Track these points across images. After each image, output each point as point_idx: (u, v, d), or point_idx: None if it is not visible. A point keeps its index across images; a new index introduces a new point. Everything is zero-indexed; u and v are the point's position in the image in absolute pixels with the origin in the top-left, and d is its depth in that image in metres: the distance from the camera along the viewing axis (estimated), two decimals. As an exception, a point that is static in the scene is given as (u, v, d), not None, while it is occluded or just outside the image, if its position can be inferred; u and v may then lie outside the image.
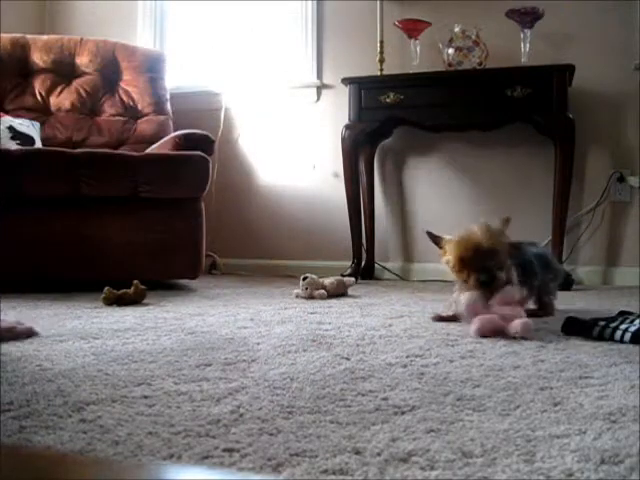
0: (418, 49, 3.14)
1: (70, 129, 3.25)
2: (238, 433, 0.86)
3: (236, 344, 1.49)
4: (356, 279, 3.09)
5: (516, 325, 1.57)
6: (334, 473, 0.73)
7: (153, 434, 0.85)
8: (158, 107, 3.36)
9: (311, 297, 2.41)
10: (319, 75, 3.54)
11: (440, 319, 1.86)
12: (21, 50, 3.32)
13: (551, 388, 1.09)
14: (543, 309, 1.93)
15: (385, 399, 1.02)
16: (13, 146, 2.83)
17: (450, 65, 3.07)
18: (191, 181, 2.69)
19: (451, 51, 3.07)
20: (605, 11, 3.07)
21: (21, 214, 2.54)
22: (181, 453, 0.78)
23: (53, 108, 3.30)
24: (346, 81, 3.11)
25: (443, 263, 1.77)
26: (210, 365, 1.26)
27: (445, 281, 3.12)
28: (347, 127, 3.10)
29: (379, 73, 3.16)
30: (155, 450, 0.79)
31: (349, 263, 3.20)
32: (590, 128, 3.05)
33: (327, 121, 3.48)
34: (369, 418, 0.92)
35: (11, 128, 2.94)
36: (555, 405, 0.99)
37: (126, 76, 3.38)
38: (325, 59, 3.53)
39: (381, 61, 3.18)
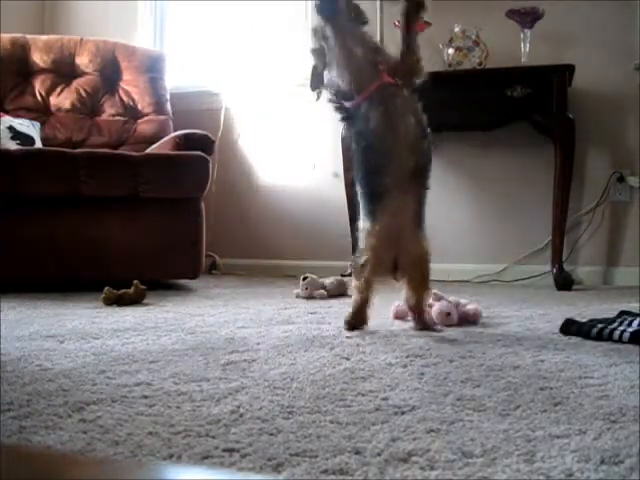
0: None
1: (70, 129, 3.25)
2: (238, 433, 0.86)
3: (236, 344, 1.49)
4: (356, 279, 3.09)
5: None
6: (334, 473, 0.73)
7: (153, 434, 0.85)
8: (158, 107, 3.36)
9: (311, 297, 2.41)
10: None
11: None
12: (21, 50, 3.32)
13: (551, 388, 1.09)
14: None
15: (385, 399, 1.02)
16: (13, 146, 2.83)
17: (450, 65, 3.07)
18: (191, 181, 2.69)
19: (451, 51, 3.07)
20: (605, 11, 3.07)
21: (21, 214, 2.55)
22: (181, 453, 0.78)
23: (53, 108, 3.30)
24: (346, 81, 3.10)
25: None
26: (210, 365, 1.26)
27: (445, 281, 3.13)
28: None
29: (379, 73, 3.16)
30: (155, 450, 0.79)
31: (349, 263, 3.19)
32: (590, 128, 3.05)
33: (327, 121, 3.48)
34: (369, 418, 0.92)
35: (11, 128, 2.95)
36: (555, 405, 0.99)
37: (126, 76, 3.38)
38: (325, 59, 3.53)
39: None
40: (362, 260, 1.63)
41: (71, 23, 3.97)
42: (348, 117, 1.67)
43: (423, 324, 1.69)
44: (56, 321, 1.82)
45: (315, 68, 1.72)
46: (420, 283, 1.66)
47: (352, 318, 1.69)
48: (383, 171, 1.57)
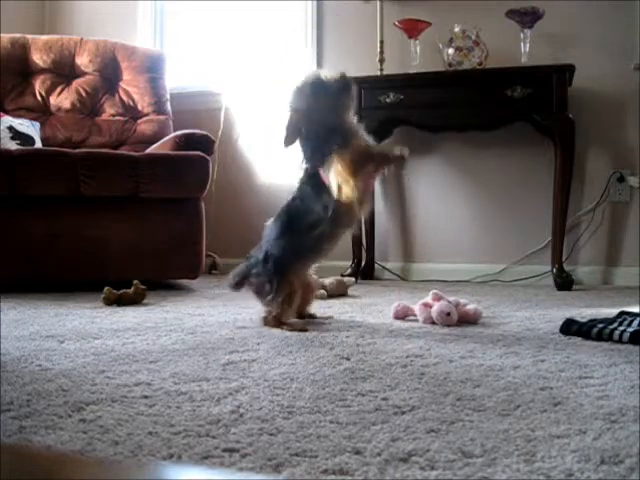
0: (418, 49, 3.14)
1: (70, 129, 3.25)
2: (238, 433, 0.86)
3: (236, 344, 1.49)
4: (356, 279, 3.09)
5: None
6: (334, 473, 0.73)
7: (153, 434, 0.85)
8: (158, 107, 3.36)
9: (311, 297, 2.41)
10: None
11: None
12: (21, 50, 3.32)
13: (551, 388, 1.09)
14: None
15: (385, 399, 1.02)
16: (13, 146, 2.83)
17: (450, 65, 3.07)
18: (191, 181, 2.69)
19: (451, 51, 3.07)
20: (605, 11, 3.07)
21: (21, 214, 2.55)
22: (181, 453, 0.78)
23: (53, 108, 3.30)
24: (346, 81, 3.10)
25: None
26: (210, 365, 1.26)
27: (445, 281, 3.13)
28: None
29: (379, 73, 3.16)
30: (155, 450, 0.79)
31: (349, 263, 3.20)
32: (590, 128, 3.05)
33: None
34: (369, 418, 0.92)
35: (11, 128, 2.95)
36: (555, 405, 0.99)
37: (126, 76, 3.38)
38: (325, 59, 3.53)
39: (381, 61, 3.18)
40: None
41: (71, 23, 3.97)
42: (313, 189, 1.74)
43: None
44: (56, 321, 1.82)
45: (292, 124, 1.76)
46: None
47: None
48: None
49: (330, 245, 1.78)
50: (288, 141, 1.77)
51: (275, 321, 1.74)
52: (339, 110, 1.73)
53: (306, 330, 1.68)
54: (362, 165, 1.67)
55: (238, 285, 1.83)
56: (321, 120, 1.71)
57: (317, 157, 1.72)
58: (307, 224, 1.73)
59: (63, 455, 0.75)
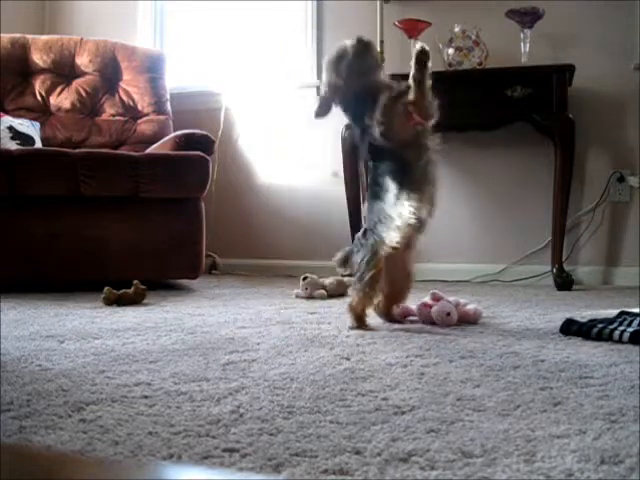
0: (418, 49, 3.14)
1: (70, 129, 3.25)
2: (238, 433, 0.86)
3: (236, 344, 1.49)
4: (356, 279, 3.09)
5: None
6: (334, 473, 0.73)
7: (153, 434, 0.85)
8: (158, 107, 3.36)
9: (311, 297, 2.41)
10: (319, 75, 3.54)
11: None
12: (21, 50, 3.32)
13: (551, 388, 1.09)
14: None
15: (385, 399, 1.02)
16: (13, 146, 2.83)
17: (450, 65, 3.07)
18: (191, 181, 2.69)
19: (451, 51, 3.07)
20: (605, 11, 3.07)
21: (21, 214, 2.55)
22: (181, 453, 0.78)
23: (53, 108, 3.30)
24: (346, 81, 3.10)
25: None
26: (210, 365, 1.26)
27: (445, 281, 3.13)
28: (347, 127, 3.10)
29: (379, 73, 3.16)
30: (155, 450, 0.79)
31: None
32: (590, 128, 3.05)
33: (327, 121, 3.47)
34: (369, 418, 0.92)
35: (11, 128, 2.95)
36: (555, 405, 0.99)
37: (126, 76, 3.38)
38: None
39: (381, 61, 3.18)
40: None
41: (71, 23, 3.97)
42: (377, 155, 1.75)
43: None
44: (56, 321, 1.82)
45: (325, 99, 1.81)
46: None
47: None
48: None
49: (420, 172, 1.75)
50: (319, 112, 1.81)
51: (352, 310, 1.73)
52: (364, 75, 1.75)
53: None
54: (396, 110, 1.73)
55: (343, 263, 1.83)
56: (350, 89, 1.75)
57: (359, 124, 1.76)
58: (389, 174, 1.70)
59: (63, 455, 0.75)
